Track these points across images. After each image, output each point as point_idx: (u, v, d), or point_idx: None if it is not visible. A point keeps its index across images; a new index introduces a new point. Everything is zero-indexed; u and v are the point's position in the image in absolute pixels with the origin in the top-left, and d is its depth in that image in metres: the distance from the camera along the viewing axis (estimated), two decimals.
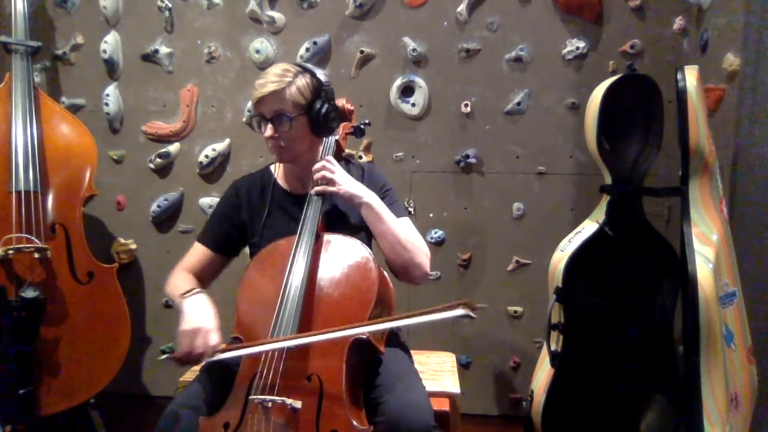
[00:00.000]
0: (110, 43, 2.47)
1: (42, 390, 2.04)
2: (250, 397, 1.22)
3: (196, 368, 1.83)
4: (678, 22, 2.23)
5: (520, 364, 2.43)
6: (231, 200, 1.61)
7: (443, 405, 1.79)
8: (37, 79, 2.46)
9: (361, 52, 2.37)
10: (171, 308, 2.55)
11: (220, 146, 2.48)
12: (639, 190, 1.88)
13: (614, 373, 1.85)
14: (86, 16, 2.49)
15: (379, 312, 1.36)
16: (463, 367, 2.44)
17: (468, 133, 2.38)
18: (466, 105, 2.35)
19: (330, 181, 1.44)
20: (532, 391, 1.95)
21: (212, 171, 2.51)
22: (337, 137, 1.57)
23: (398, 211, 1.51)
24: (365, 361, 1.36)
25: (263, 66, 2.38)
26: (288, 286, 1.32)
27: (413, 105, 2.37)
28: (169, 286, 1.50)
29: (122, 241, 2.56)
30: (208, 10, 2.45)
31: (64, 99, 2.53)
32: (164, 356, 1.35)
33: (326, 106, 1.45)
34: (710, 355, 1.62)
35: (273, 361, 1.25)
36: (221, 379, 1.36)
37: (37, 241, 2.02)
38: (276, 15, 2.40)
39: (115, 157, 2.55)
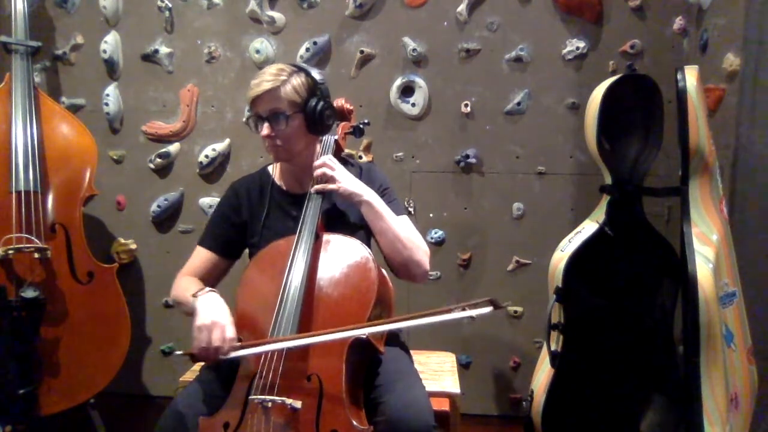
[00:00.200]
0: (110, 43, 2.47)
1: (42, 390, 2.04)
2: (250, 397, 1.22)
3: (196, 368, 1.84)
4: (678, 22, 2.23)
5: (520, 364, 2.43)
6: (230, 201, 1.60)
7: (443, 405, 1.79)
8: (37, 79, 2.46)
9: (361, 52, 2.37)
10: (171, 308, 2.55)
11: (220, 146, 2.48)
12: (639, 190, 1.88)
13: (614, 373, 1.85)
14: (86, 16, 2.49)
15: (378, 312, 1.36)
16: (463, 367, 2.44)
17: (468, 133, 2.38)
18: (466, 105, 2.35)
19: (330, 179, 1.44)
20: (532, 391, 1.95)
21: (212, 171, 2.51)
22: (336, 137, 1.57)
23: (397, 209, 1.51)
24: (365, 361, 1.36)
25: (263, 66, 2.37)
26: (287, 286, 1.32)
27: (413, 105, 2.37)
28: (175, 290, 1.49)
29: (122, 241, 2.56)
30: (208, 10, 2.45)
31: (64, 99, 2.53)
32: (179, 353, 1.31)
33: (321, 103, 1.46)
34: (710, 355, 1.62)
35: (273, 361, 1.25)
36: (221, 379, 1.36)
37: (37, 241, 2.02)
38: (276, 15, 2.40)
39: (115, 157, 2.55)
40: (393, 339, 1.50)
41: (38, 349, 2.03)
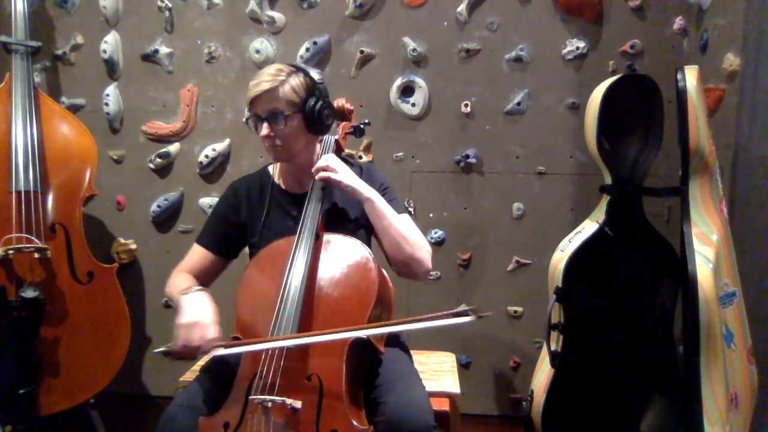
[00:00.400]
0: (110, 43, 2.47)
1: (42, 390, 2.04)
2: (250, 396, 1.22)
3: (196, 368, 1.84)
4: (678, 22, 2.23)
5: (520, 364, 2.43)
6: (229, 201, 1.61)
7: (443, 405, 1.79)
8: (37, 79, 2.45)
9: (361, 52, 2.37)
10: (171, 308, 2.55)
11: (220, 146, 2.48)
12: (639, 190, 1.88)
13: (614, 373, 1.85)
14: (86, 16, 2.49)
15: (378, 312, 1.36)
16: (463, 367, 2.44)
17: (468, 133, 2.38)
18: (466, 105, 2.35)
19: (333, 172, 1.44)
20: (532, 391, 1.95)
21: (212, 171, 2.51)
22: (336, 137, 1.57)
23: (398, 208, 1.51)
24: (365, 361, 1.36)
25: (263, 66, 2.36)
26: (288, 286, 1.32)
27: (413, 105, 2.37)
28: (168, 286, 1.50)
29: (122, 241, 2.56)
30: (208, 10, 2.45)
31: (64, 99, 2.53)
32: (159, 350, 1.32)
33: (320, 103, 1.46)
34: (710, 355, 1.62)
35: (273, 360, 1.25)
36: (221, 379, 1.36)
37: (37, 241, 2.02)
38: (276, 15, 2.40)
39: (115, 157, 2.55)
40: (393, 339, 1.50)
41: (38, 349, 2.03)
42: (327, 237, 1.43)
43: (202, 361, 1.53)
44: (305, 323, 1.30)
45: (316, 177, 1.46)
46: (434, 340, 2.24)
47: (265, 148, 1.50)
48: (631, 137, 1.90)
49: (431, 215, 2.43)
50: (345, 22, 2.38)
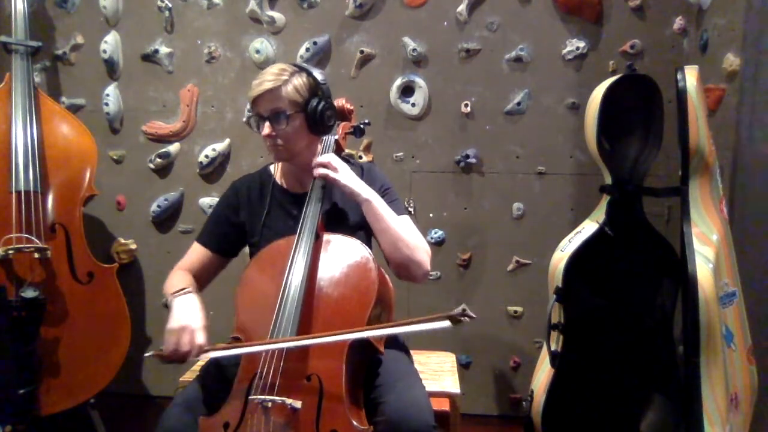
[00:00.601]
0: (110, 43, 2.47)
1: (42, 390, 2.04)
2: (249, 397, 1.22)
3: (196, 368, 1.84)
4: (678, 22, 2.23)
5: (520, 364, 2.43)
6: (230, 200, 1.61)
7: (443, 405, 1.79)
8: (37, 79, 2.46)
9: (361, 52, 2.37)
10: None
11: (220, 146, 2.48)
12: (639, 190, 1.88)
13: (614, 373, 1.85)
14: (86, 16, 2.49)
15: (378, 312, 1.36)
16: (463, 367, 2.44)
17: (468, 133, 2.38)
18: (466, 105, 2.35)
19: (333, 170, 1.44)
20: (532, 391, 1.95)
21: (212, 171, 2.51)
22: (336, 137, 1.57)
23: (398, 209, 1.51)
24: (365, 361, 1.36)
25: (263, 66, 2.38)
26: (287, 286, 1.32)
27: (413, 105, 2.37)
28: (166, 284, 1.50)
29: (122, 241, 2.56)
30: (208, 10, 2.45)
31: (64, 99, 2.53)
32: (149, 354, 1.31)
33: (323, 103, 1.46)
34: (710, 355, 1.62)
35: (273, 360, 1.25)
36: (221, 379, 1.36)
37: (37, 241, 2.02)
38: (276, 15, 2.40)
39: (115, 157, 2.55)
40: (393, 339, 1.50)
41: (38, 349, 2.03)
42: (327, 237, 1.43)
43: (202, 361, 1.52)
44: (305, 323, 1.30)
45: (315, 172, 1.45)
46: (434, 340, 2.24)
47: (267, 148, 1.50)
48: (631, 137, 1.90)
49: (431, 215, 2.43)
50: (345, 22, 2.39)
